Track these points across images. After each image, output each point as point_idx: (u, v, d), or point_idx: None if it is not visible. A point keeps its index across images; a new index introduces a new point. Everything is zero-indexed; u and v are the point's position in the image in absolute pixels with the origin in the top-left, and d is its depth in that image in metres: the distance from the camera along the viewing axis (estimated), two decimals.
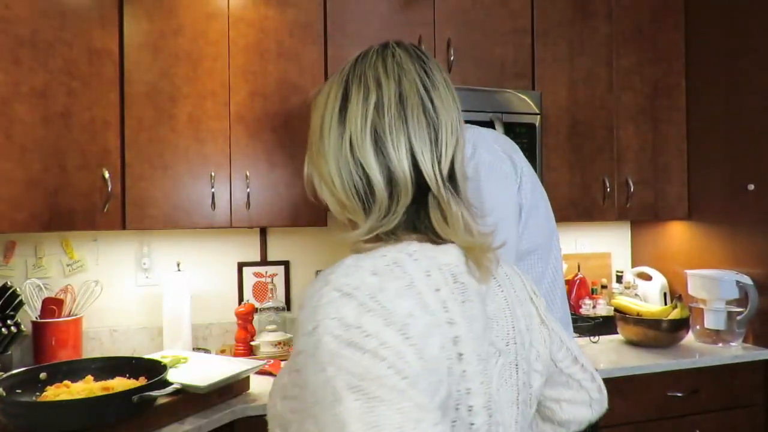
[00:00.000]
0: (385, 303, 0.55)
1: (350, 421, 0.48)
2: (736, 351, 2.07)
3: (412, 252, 0.61)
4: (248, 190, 1.89)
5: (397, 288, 0.57)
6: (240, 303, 2.18)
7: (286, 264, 2.28)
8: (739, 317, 2.12)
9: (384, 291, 0.56)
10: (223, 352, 2.04)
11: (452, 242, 0.64)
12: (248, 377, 1.66)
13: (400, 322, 0.54)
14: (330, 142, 0.66)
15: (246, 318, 2.01)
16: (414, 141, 0.63)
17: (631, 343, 2.17)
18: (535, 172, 2.08)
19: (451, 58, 2.07)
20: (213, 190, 1.86)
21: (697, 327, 2.21)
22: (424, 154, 0.63)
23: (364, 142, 0.63)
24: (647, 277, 2.51)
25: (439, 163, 0.64)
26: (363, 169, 0.63)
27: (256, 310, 2.07)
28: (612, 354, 2.06)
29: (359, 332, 0.52)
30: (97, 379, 1.48)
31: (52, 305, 1.86)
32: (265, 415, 1.68)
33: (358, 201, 0.65)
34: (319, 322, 0.54)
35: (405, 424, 0.48)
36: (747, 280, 2.12)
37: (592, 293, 2.41)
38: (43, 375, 1.44)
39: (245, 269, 2.23)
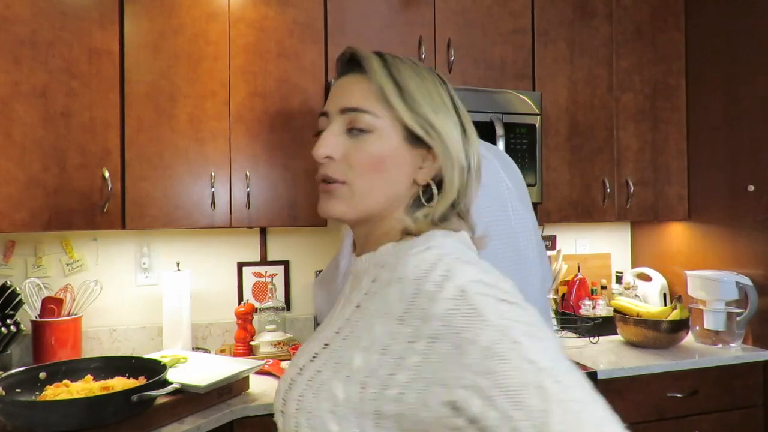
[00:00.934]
0: (494, 270, 0.63)
1: (538, 357, 0.53)
2: (736, 352, 2.07)
3: (463, 238, 0.71)
4: (248, 190, 1.89)
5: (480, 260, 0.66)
6: (240, 303, 2.18)
7: (285, 264, 2.28)
8: (738, 318, 2.12)
9: (483, 262, 0.64)
10: (222, 351, 2.05)
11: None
12: (248, 377, 1.66)
13: (512, 282, 0.63)
14: (457, 132, 0.73)
15: (246, 318, 2.01)
16: None
17: (631, 343, 2.17)
18: (536, 172, 2.10)
19: (451, 59, 2.07)
20: (213, 190, 1.86)
21: (697, 328, 2.21)
22: None
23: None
24: (647, 278, 2.51)
25: None
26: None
27: (255, 310, 2.08)
28: (611, 355, 2.06)
29: (499, 290, 0.58)
30: (96, 378, 1.48)
31: (51, 305, 1.86)
32: (264, 415, 1.66)
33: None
34: (463, 286, 0.57)
35: (561, 356, 0.55)
36: (747, 281, 2.12)
37: (592, 294, 2.41)
38: (42, 374, 1.44)
39: (245, 269, 2.23)
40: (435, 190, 0.70)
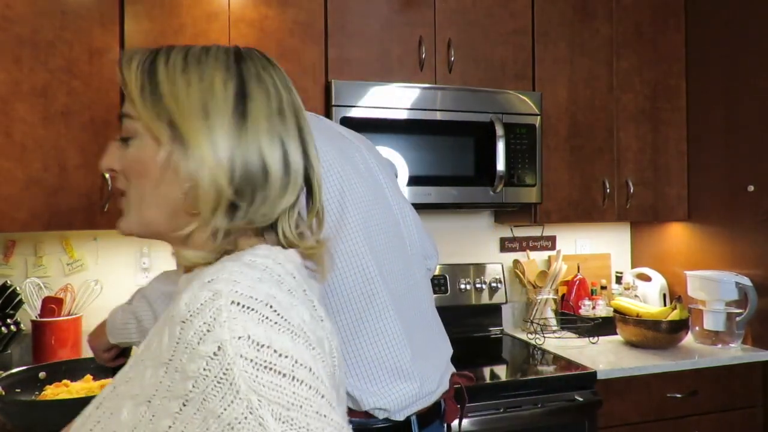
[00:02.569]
0: (282, 313, 0.52)
1: None
2: (735, 352, 2.07)
3: (274, 255, 0.60)
4: None
5: (283, 294, 0.55)
6: None
7: None
8: (738, 318, 2.12)
9: (275, 298, 0.53)
10: None
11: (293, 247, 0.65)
12: None
13: (301, 332, 0.52)
14: (225, 130, 0.60)
15: None
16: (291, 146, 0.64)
17: (631, 344, 2.17)
18: (536, 172, 2.10)
19: (452, 59, 2.07)
20: None
21: (697, 328, 2.21)
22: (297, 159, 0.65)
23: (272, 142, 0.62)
24: (647, 278, 2.51)
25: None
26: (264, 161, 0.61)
27: None
28: (611, 355, 2.06)
29: (272, 352, 0.48)
30: (96, 378, 1.48)
31: (51, 304, 1.86)
32: None
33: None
34: (224, 343, 0.47)
35: None
36: (746, 281, 2.12)
37: (592, 294, 2.41)
38: (42, 374, 1.44)
39: None
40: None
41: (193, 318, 0.49)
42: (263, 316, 0.50)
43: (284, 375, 0.48)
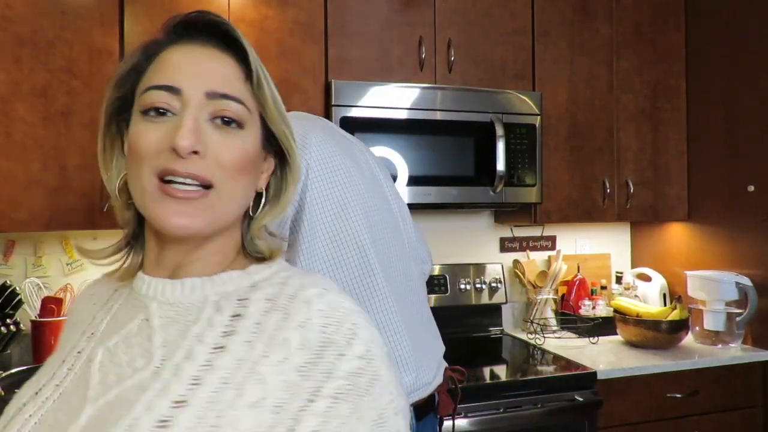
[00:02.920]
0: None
1: None
2: (735, 352, 2.07)
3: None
4: None
5: None
6: None
7: None
8: (738, 318, 2.12)
9: None
10: None
11: None
12: None
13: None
14: None
15: None
16: None
17: (631, 344, 2.17)
18: (536, 172, 2.10)
19: (451, 59, 2.07)
20: None
21: (697, 328, 2.21)
22: None
23: None
24: (647, 278, 2.51)
25: None
26: None
27: None
28: (611, 355, 2.06)
29: (385, 351, 0.56)
30: None
31: (51, 304, 1.85)
32: None
33: None
34: (370, 344, 0.54)
35: None
36: (746, 281, 2.12)
37: (592, 294, 2.41)
38: None
39: None
40: (263, 199, 0.64)
41: (338, 323, 0.54)
42: (369, 320, 0.57)
43: (395, 368, 0.56)
